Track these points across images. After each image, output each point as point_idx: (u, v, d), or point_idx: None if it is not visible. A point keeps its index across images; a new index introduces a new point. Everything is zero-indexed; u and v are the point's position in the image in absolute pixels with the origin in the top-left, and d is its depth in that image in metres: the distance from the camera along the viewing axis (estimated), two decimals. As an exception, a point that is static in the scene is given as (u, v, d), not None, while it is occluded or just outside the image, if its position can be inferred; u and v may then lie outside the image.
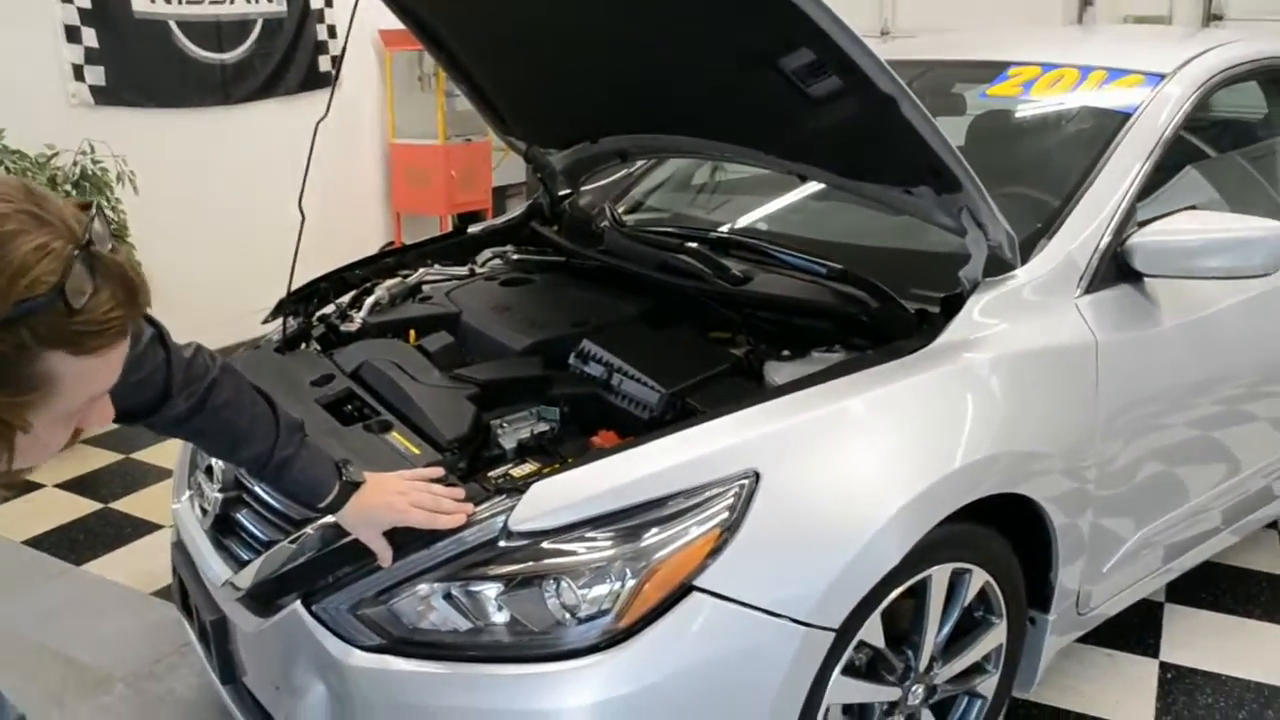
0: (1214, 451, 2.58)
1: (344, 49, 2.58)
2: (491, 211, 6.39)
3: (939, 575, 1.97)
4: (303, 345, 2.51)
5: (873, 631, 1.88)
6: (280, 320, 2.57)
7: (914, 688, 2.02)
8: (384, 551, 1.73)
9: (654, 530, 1.66)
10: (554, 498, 1.69)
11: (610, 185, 3.22)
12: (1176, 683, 2.67)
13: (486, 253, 2.98)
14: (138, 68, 4.80)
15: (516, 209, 3.21)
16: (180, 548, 2.26)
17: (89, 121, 4.50)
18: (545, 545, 1.67)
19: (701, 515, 1.67)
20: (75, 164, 4.22)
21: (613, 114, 2.69)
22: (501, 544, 1.68)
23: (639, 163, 3.23)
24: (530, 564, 1.66)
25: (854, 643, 1.84)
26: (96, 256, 0.98)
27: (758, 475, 1.71)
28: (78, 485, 3.84)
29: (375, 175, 6.29)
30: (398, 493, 1.71)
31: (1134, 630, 2.84)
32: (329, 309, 2.65)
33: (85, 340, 0.98)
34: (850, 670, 1.88)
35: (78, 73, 4.60)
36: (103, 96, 4.68)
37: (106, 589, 3.16)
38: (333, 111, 2.31)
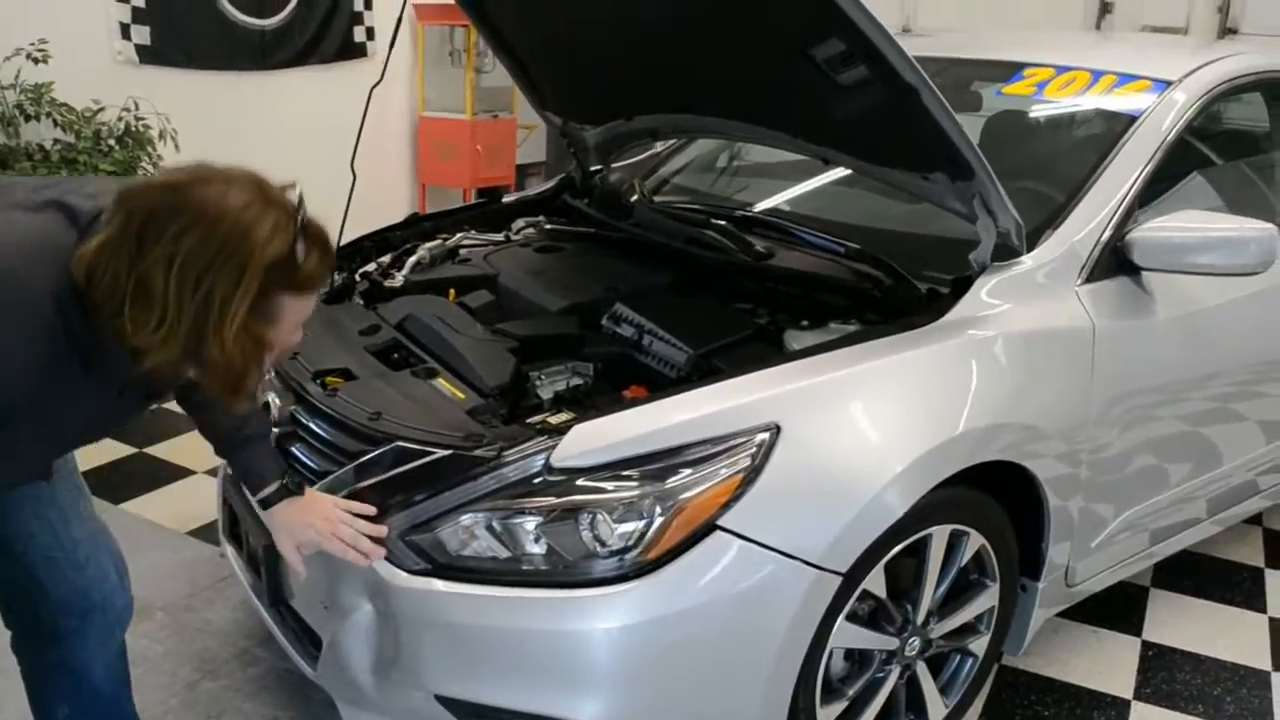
0: (1200, 442, 2.68)
1: (400, 16, 2.68)
2: (514, 188, 6.46)
3: (939, 535, 2.09)
4: (346, 299, 2.64)
5: (876, 582, 2.01)
6: (325, 274, 2.70)
7: (911, 639, 2.15)
8: (297, 565, 1.89)
9: (682, 472, 1.78)
10: (592, 439, 1.82)
11: (638, 164, 3.33)
12: (1157, 659, 2.79)
13: (520, 221, 3.10)
14: (182, 29, 4.88)
15: (536, 187, 3.33)
16: (232, 478, 2.37)
17: (133, 79, 4.59)
18: (581, 482, 1.79)
19: (726, 461, 1.79)
20: (120, 119, 4.32)
21: (648, 94, 2.81)
22: (542, 480, 1.80)
23: (668, 143, 3.35)
24: (567, 498, 1.79)
25: (859, 591, 1.97)
26: (308, 225, 1.43)
27: (778, 428, 1.83)
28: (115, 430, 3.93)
29: (404, 146, 6.38)
30: (324, 519, 1.84)
31: (1120, 611, 2.97)
32: (371, 266, 2.77)
33: (304, 284, 1.45)
34: (854, 618, 2.01)
35: (124, 31, 4.68)
36: (147, 55, 4.77)
37: (144, 527, 3.27)
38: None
